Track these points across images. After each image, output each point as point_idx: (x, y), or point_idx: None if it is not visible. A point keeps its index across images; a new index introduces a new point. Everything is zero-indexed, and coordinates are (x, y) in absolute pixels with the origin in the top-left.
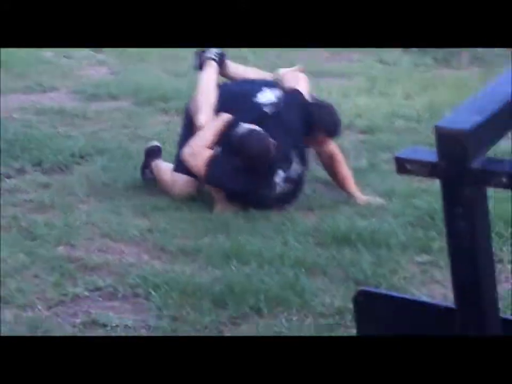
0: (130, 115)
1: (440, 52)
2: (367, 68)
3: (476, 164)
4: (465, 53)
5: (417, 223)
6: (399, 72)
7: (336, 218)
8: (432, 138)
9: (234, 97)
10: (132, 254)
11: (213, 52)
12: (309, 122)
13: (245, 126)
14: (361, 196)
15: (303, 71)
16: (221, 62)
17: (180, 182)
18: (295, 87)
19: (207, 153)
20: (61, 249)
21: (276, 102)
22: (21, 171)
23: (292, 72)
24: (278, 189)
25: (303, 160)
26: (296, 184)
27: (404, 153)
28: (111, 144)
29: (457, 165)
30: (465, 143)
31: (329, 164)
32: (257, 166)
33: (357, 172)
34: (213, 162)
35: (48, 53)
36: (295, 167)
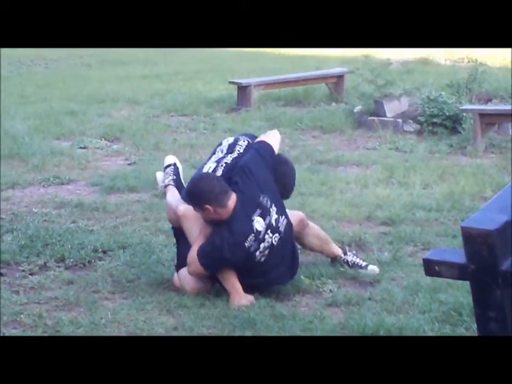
0: (150, 207)
1: (455, 139)
2: (384, 156)
3: (505, 266)
4: (481, 140)
5: (444, 318)
6: (416, 160)
7: (363, 314)
8: (455, 229)
9: None
10: None
11: (169, 179)
12: (276, 175)
13: None
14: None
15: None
16: (177, 183)
17: (187, 279)
18: (262, 139)
19: (195, 249)
20: None
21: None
22: (44, 267)
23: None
24: (267, 238)
25: (283, 211)
26: (284, 235)
27: (432, 254)
28: (132, 239)
29: (487, 267)
30: (493, 244)
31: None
32: (213, 202)
33: (380, 266)
34: (201, 250)
35: (63, 143)
36: (276, 217)
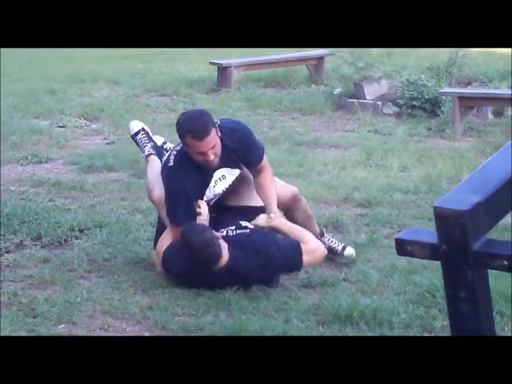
0: (128, 187)
1: (434, 122)
2: (362, 138)
3: (476, 246)
4: (459, 123)
5: (418, 300)
6: (394, 143)
7: (338, 296)
8: (431, 212)
9: None
10: (133, 333)
11: (147, 147)
12: None
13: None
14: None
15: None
16: (158, 152)
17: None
18: None
19: (165, 245)
20: (62, 327)
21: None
22: (20, 246)
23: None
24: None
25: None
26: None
27: (404, 234)
28: (109, 218)
29: (458, 247)
30: (465, 224)
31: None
32: (201, 258)
33: (356, 247)
34: (167, 252)
35: (42, 122)
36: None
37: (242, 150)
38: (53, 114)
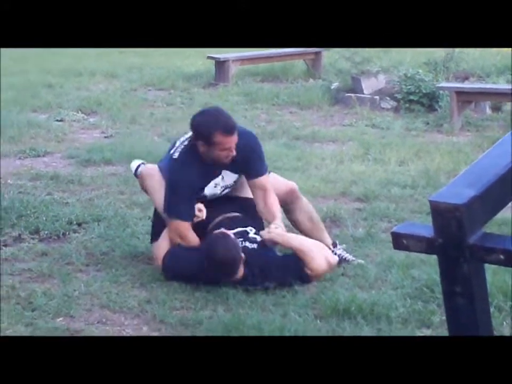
0: (126, 181)
1: (431, 116)
2: (360, 132)
3: (473, 240)
4: (457, 118)
5: (416, 295)
6: (392, 137)
7: (336, 290)
8: (429, 206)
9: None
10: (132, 326)
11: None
12: None
13: (219, 231)
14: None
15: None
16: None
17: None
18: None
19: (162, 250)
20: (60, 321)
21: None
22: (18, 239)
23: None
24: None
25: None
26: None
27: (400, 228)
28: (107, 212)
29: (454, 241)
30: (461, 218)
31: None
32: (222, 271)
33: (354, 242)
34: (169, 256)
35: (40, 116)
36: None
37: (247, 157)
38: (50, 108)
